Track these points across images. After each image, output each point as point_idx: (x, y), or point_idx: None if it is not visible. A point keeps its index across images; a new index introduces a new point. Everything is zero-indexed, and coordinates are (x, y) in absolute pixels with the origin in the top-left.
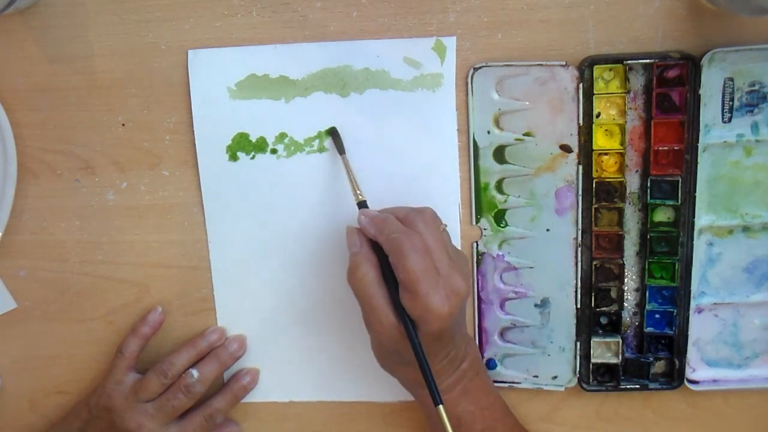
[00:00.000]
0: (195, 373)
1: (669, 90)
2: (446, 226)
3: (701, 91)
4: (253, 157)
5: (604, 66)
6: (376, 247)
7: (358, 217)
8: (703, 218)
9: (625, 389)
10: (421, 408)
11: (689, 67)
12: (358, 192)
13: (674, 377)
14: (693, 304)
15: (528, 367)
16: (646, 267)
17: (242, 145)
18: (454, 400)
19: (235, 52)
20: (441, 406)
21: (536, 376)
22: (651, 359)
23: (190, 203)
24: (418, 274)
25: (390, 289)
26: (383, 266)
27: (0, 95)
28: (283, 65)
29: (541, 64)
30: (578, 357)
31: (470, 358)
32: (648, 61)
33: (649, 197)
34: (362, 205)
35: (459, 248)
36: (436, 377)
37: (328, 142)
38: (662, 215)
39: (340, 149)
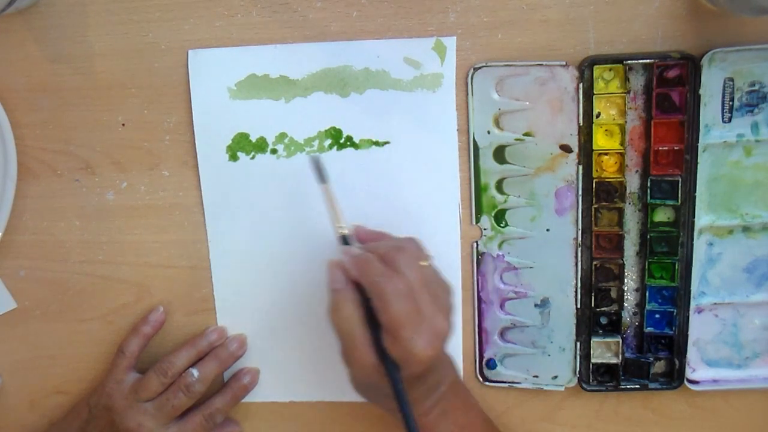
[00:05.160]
0: (195, 372)
1: (669, 90)
2: (431, 257)
3: (701, 91)
4: (253, 157)
5: (604, 66)
6: (358, 285)
7: (341, 256)
8: (703, 218)
9: (625, 389)
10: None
11: (689, 67)
12: (340, 225)
13: (674, 377)
14: (693, 304)
15: (528, 367)
16: (646, 267)
17: (242, 145)
18: (432, 423)
19: (235, 52)
20: None
21: (536, 376)
22: (651, 359)
23: (190, 203)
24: (401, 319)
25: (372, 330)
26: (365, 305)
27: (0, 95)
28: (283, 65)
29: (541, 64)
30: (578, 357)
31: (449, 380)
32: (648, 61)
33: (649, 197)
34: (344, 239)
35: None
36: (414, 404)
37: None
38: (662, 215)
39: (322, 178)
